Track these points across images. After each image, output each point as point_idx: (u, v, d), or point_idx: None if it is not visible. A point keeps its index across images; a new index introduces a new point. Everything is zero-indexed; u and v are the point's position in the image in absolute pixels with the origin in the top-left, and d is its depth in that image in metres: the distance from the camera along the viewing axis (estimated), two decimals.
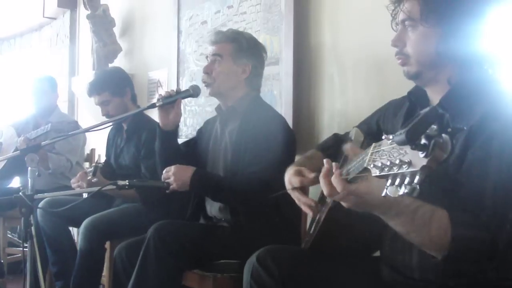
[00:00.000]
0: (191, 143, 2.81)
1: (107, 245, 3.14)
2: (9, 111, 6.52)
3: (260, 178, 2.27)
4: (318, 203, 1.88)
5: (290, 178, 1.76)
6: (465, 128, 1.09)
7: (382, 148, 1.11)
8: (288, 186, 1.76)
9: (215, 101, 3.42)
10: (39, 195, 2.20)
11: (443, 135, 1.00)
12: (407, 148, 1.02)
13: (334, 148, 1.97)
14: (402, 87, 1.72)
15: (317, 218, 1.78)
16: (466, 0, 1.47)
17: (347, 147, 1.42)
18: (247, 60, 2.50)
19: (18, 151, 2.38)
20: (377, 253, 1.76)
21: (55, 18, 6.06)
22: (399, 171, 1.01)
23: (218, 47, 2.52)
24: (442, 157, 1.00)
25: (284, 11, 2.91)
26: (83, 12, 5.13)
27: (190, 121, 3.78)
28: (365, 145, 1.76)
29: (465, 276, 1.39)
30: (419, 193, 0.99)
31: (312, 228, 1.80)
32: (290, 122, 2.72)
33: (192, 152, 2.72)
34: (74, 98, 5.63)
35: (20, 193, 2.16)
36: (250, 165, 2.36)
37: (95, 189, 2.23)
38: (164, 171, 2.39)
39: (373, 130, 1.87)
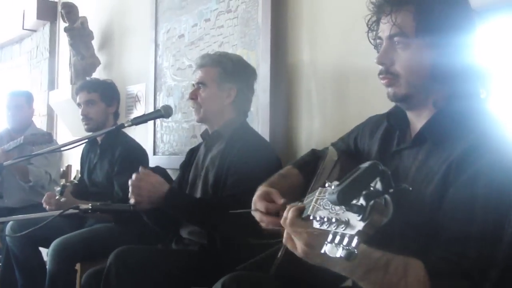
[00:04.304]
0: (177, 182, 2.70)
1: (78, 267, 3.02)
2: None
3: (238, 201, 2.16)
4: None
5: (256, 199, 1.63)
6: (410, 189, 0.97)
7: (326, 196, 1.00)
8: (252, 206, 1.64)
9: (192, 118, 3.34)
10: None
11: (386, 196, 0.88)
12: None
13: (311, 165, 1.85)
14: (382, 103, 1.60)
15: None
16: (463, 15, 1.37)
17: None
18: (232, 84, 2.43)
19: None
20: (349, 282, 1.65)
21: (35, 31, 5.96)
22: (337, 230, 0.90)
23: (203, 72, 2.45)
24: (381, 222, 0.88)
25: (261, 25, 2.82)
26: (62, 24, 5.02)
27: (167, 137, 3.67)
28: (338, 166, 1.66)
29: None
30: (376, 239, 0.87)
31: (280, 252, 1.70)
32: (266, 140, 2.62)
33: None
34: (53, 113, 5.51)
35: None
36: (230, 188, 2.27)
37: (57, 212, 2.10)
38: (132, 182, 2.16)
39: (350, 149, 1.76)
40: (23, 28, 5.95)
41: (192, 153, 2.67)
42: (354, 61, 2.41)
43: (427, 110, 1.42)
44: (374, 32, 1.49)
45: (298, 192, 1.76)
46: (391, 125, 1.56)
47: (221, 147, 2.42)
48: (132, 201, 2.17)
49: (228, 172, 2.30)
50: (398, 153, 1.49)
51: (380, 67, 1.44)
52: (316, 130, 2.63)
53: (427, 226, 1.27)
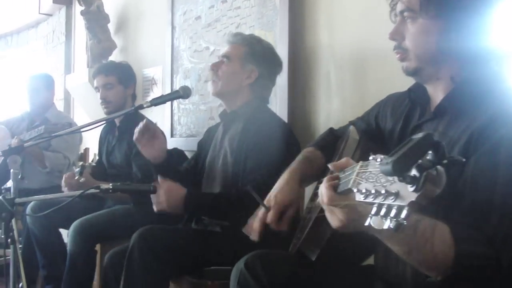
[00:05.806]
0: (194, 158, 2.72)
1: (98, 247, 3.06)
2: (7, 109, 6.43)
3: (259, 187, 2.16)
4: (310, 201, 1.78)
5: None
6: (464, 160, 0.97)
7: (369, 170, 1.00)
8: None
9: (210, 100, 3.36)
10: (19, 200, 2.10)
11: (438, 167, 0.88)
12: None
13: (332, 145, 1.88)
14: (401, 84, 1.62)
15: (306, 219, 1.68)
16: None
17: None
18: (255, 66, 2.43)
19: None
20: (371, 260, 1.66)
21: (51, 15, 5.97)
22: (385, 202, 0.90)
23: (231, 48, 2.47)
24: (434, 192, 0.88)
25: (279, 5, 2.80)
26: (78, 8, 5.02)
27: (184, 119, 3.67)
28: (360, 146, 1.66)
29: None
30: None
31: (300, 231, 1.70)
32: (285, 121, 2.61)
33: (194, 167, 2.65)
34: (70, 97, 5.53)
35: (0, 197, 2.06)
36: (250, 172, 2.27)
37: (77, 193, 2.11)
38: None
39: (371, 127, 1.76)
40: (39, 13, 5.95)
41: (210, 133, 2.68)
42: (372, 42, 2.39)
43: (443, 83, 1.44)
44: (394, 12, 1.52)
45: (324, 174, 1.76)
46: (411, 100, 1.58)
47: (239, 128, 2.42)
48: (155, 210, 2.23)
49: (247, 156, 2.30)
50: (419, 127, 1.50)
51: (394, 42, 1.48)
52: (334, 111, 2.62)
53: (447, 194, 1.27)
